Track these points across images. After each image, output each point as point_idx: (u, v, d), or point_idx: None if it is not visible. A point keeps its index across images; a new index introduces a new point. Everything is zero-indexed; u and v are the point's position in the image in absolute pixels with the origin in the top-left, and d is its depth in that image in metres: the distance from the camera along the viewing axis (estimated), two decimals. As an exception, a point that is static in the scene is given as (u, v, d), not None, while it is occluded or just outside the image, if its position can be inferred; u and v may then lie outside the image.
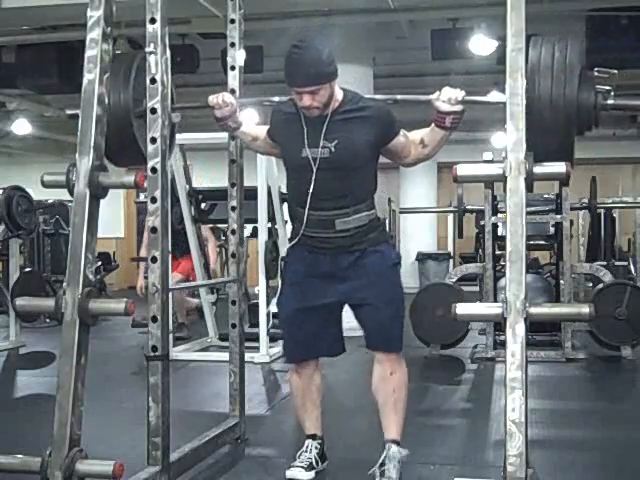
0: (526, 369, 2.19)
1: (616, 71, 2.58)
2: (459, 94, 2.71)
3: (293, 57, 2.74)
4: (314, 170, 2.80)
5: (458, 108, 2.73)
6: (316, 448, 3.07)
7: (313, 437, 3.09)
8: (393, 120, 2.86)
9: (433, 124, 2.80)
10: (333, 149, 2.80)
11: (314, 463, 3.02)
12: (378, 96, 2.95)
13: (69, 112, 2.98)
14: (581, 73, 2.52)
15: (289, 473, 2.99)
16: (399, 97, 2.96)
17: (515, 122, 2.37)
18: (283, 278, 3.06)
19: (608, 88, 2.56)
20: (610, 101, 2.58)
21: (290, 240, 3.01)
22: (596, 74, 2.57)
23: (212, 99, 2.98)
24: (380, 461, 2.92)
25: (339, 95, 2.84)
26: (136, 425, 3.11)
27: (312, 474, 3.00)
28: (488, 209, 5.86)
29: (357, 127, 2.81)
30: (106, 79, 2.61)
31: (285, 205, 6.11)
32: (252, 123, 3.13)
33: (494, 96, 2.76)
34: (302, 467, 2.99)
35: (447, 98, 2.72)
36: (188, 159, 6.60)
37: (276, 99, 3.03)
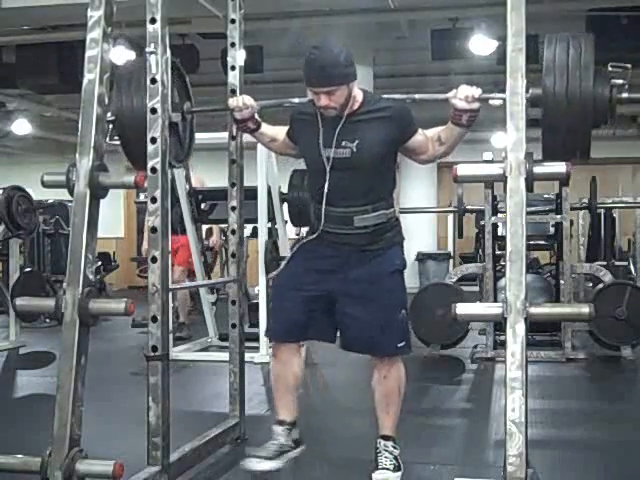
0: (526, 369, 2.19)
1: (630, 65, 2.59)
2: (476, 92, 2.73)
3: (311, 57, 2.77)
4: (328, 169, 2.84)
5: (475, 106, 2.75)
6: (282, 435, 3.00)
7: (280, 423, 3.03)
8: (412, 119, 2.90)
9: (450, 122, 2.84)
10: (355, 149, 2.84)
11: (279, 450, 2.98)
12: (397, 95, 2.97)
13: None
14: (596, 68, 2.54)
15: (248, 463, 2.93)
16: (417, 96, 2.99)
17: (515, 122, 2.37)
18: (289, 260, 3.04)
19: (623, 82, 2.58)
20: (625, 94, 2.59)
21: (308, 234, 3.02)
22: (610, 69, 2.58)
23: (232, 102, 3.03)
24: (374, 457, 2.99)
25: (359, 96, 2.89)
26: (136, 425, 3.10)
27: (275, 463, 2.94)
28: (488, 209, 5.86)
29: (378, 127, 2.85)
30: (106, 79, 2.61)
31: (285, 205, 6.14)
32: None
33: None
34: (261, 457, 2.93)
35: (464, 96, 2.74)
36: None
37: (296, 100, 3.06)
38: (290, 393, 3.08)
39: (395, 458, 2.97)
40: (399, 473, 2.95)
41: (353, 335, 2.96)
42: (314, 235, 2.96)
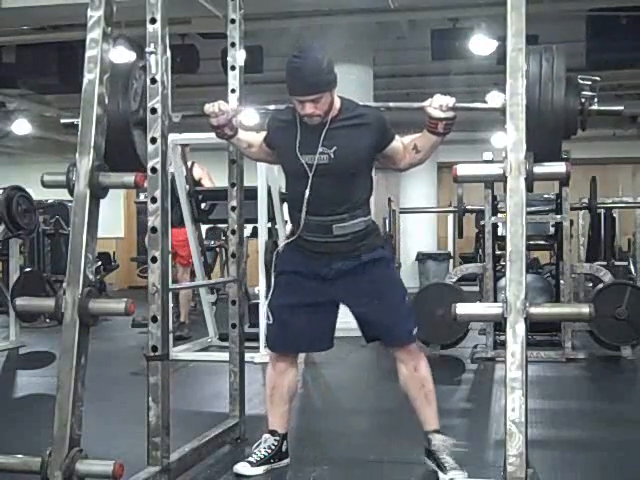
0: (526, 369, 2.19)
1: (598, 78, 2.64)
2: (450, 101, 2.77)
3: (294, 66, 2.78)
4: (310, 176, 2.85)
5: (450, 114, 2.78)
6: (273, 445, 3.09)
7: (272, 433, 3.12)
8: (388, 126, 2.93)
9: (425, 130, 2.86)
10: (332, 155, 2.85)
11: (266, 459, 3.06)
12: (372, 104, 3.02)
13: (64, 121, 2.99)
14: (567, 81, 2.59)
15: (236, 467, 3.04)
16: (392, 105, 3.06)
17: (515, 122, 2.37)
18: (275, 275, 3.07)
19: (592, 94, 2.62)
20: (594, 107, 2.64)
21: (287, 238, 3.04)
22: (580, 81, 2.62)
23: (208, 107, 3.00)
24: (427, 452, 2.99)
25: (337, 103, 2.90)
26: (136, 425, 3.11)
27: (260, 470, 3.04)
28: (488, 209, 5.86)
29: (355, 134, 2.87)
30: (106, 79, 2.61)
31: (285, 205, 6.14)
32: (250, 126, 3.15)
33: (489, 100, 2.81)
34: (248, 462, 3.05)
35: (439, 105, 2.77)
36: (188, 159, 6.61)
37: (272, 107, 3.07)
38: (284, 404, 3.13)
39: (451, 451, 2.96)
40: (465, 473, 2.91)
41: (371, 333, 3.02)
42: (292, 238, 2.97)
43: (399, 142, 2.94)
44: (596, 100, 2.65)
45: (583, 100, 2.64)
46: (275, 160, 3.14)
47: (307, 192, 2.85)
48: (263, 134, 3.07)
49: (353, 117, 2.89)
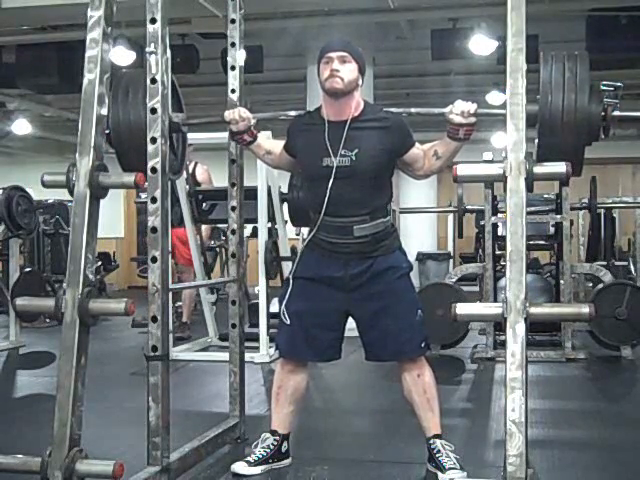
0: (526, 369, 2.18)
1: (621, 84, 2.65)
2: (472, 107, 2.78)
3: (329, 39, 2.95)
4: (332, 179, 2.86)
5: (471, 120, 2.79)
6: (272, 444, 3.07)
7: (272, 432, 3.11)
8: (409, 132, 2.95)
9: (446, 136, 2.86)
10: (354, 157, 2.86)
11: (264, 458, 3.05)
12: (394, 109, 3.01)
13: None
14: (591, 88, 2.62)
15: (233, 466, 3.03)
16: (413, 110, 3.06)
17: (515, 122, 2.37)
18: (292, 278, 3.05)
19: (616, 101, 2.64)
20: (617, 112, 2.66)
21: (304, 241, 3.05)
22: (603, 88, 2.64)
23: (228, 114, 3.02)
24: (428, 457, 2.99)
25: (361, 104, 2.93)
26: (136, 425, 3.11)
27: (258, 470, 3.02)
28: (488, 209, 5.86)
29: (376, 137, 2.88)
30: (106, 79, 2.61)
31: (285, 205, 6.14)
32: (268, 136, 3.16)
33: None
34: (246, 462, 3.03)
35: (460, 111, 2.77)
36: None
37: (292, 113, 3.09)
38: (289, 405, 3.11)
39: (454, 455, 2.97)
40: (465, 472, 2.93)
41: (377, 347, 3.01)
42: (308, 238, 2.97)
43: (419, 149, 2.94)
44: (618, 106, 2.67)
45: (606, 106, 2.66)
46: (294, 168, 3.15)
47: (327, 195, 2.86)
48: (283, 142, 3.07)
49: (374, 120, 2.90)
